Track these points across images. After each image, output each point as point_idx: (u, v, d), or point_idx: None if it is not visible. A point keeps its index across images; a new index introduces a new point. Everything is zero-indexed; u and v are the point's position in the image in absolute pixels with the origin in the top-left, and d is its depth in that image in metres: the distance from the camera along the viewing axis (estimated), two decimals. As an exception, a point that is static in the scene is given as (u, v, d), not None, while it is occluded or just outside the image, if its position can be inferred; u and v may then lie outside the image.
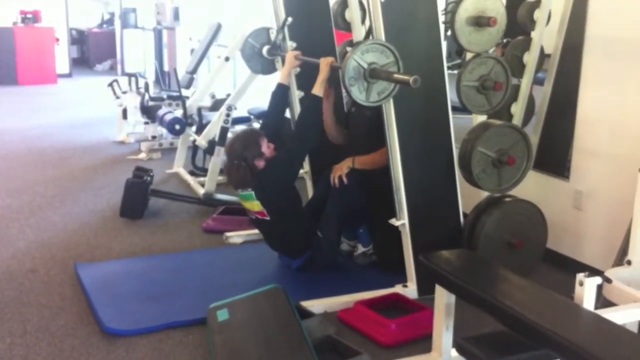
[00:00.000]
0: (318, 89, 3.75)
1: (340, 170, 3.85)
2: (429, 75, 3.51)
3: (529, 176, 3.69)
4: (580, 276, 2.42)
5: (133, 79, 7.63)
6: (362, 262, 4.06)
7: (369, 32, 4.00)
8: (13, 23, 12.86)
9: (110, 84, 7.75)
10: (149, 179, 5.03)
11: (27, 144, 7.51)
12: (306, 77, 4.17)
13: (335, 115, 4.22)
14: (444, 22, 3.72)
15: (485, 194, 3.72)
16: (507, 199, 3.69)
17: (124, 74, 12.15)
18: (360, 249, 4.09)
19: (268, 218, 3.77)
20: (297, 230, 3.82)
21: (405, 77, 3.17)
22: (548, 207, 3.89)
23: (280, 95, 4.10)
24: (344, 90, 3.74)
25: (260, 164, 3.71)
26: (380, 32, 3.45)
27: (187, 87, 7.05)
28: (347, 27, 4.48)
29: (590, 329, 2.26)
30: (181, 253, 4.26)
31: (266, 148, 3.74)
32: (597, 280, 2.43)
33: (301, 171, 4.47)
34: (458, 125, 3.75)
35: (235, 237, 4.46)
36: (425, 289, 3.49)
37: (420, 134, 3.62)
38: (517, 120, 4.03)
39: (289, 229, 3.82)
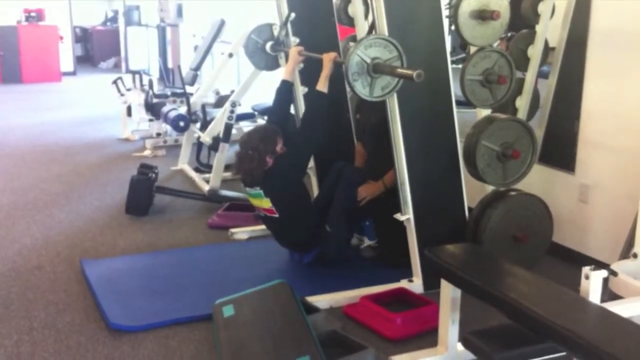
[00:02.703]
0: (322, 85, 3.74)
1: (371, 194, 3.90)
2: (433, 69, 3.51)
3: (534, 170, 3.68)
4: (586, 269, 2.42)
5: (137, 76, 7.65)
6: (368, 256, 4.06)
7: (372, 27, 4.00)
8: (17, 21, 12.88)
9: (115, 82, 7.76)
10: (153, 175, 5.04)
11: (32, 141, 7.53)
12: (310, 72, 4.16)
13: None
14: (448, 16, 3.71)
15: (490, 188, 3.71)
16: (512, 193, 3.68)
17: (128, 71, 12.19)
18: (367, 242, 4.08)
19: (277, 215, 3.78)
20: (306, 226, 3.82)
21: (409, 72, 3.16)
22: (553, 200, 3.88)
23: (285, 91, 4.10)
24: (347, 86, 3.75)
25: (270, 161, 3.71)
26: (383, 27, 3.44)
27: (191, 84, 7.06)
28: (350, 22, 4.47)
29: (596, 322, 2.26)
30: (186, 249, 4.26)
31: (280, 148, 3.75)
32: (603, 273, 2.43)
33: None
34: (462, 119, 3.74)
35: (241, 233, 4.46)
36: (431, 284, 3.49)
37: (425, 128, 3.61)
38: (521, 114, 4.03)
39: (298, 225, 3.82)
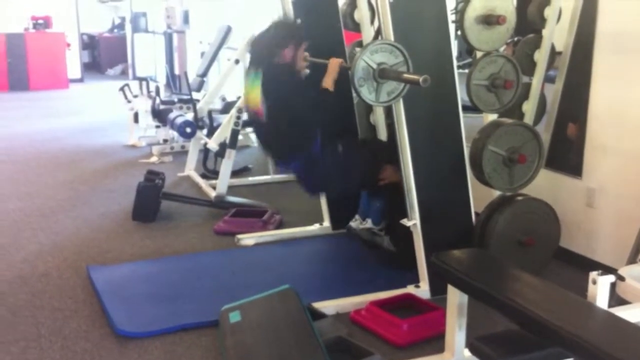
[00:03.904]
0: (329, 84, 3.67)
1: (389, 178, 3.89)
2: (439, 74, 3.50)
3: (541, 174, 3.67)
4: (593, 274, 2.40)
5: (144, 82, 7.68)
6: (365, 237, 4.00)
7: (378, 33, 4.00)
8: (24, 29, 12.94)
9: (122, 88, 7.79)
10: (160, 182, 5.05)
11: (39, 148, 7.56)
12: (315, 78, 4.15)
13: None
14: (454, 21, 3.71)
15: (496, 192, 3.70)
16: (519, 198, 3.68)
17: (135, 78, 12.23)
18: (369, 223, 4.03)
19: (263, 120, 3.65)
20: (290, 138, 3.66)
21: (415, 77, 3.16)
22: (560, 205, 3.87)
23: None
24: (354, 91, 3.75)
25: (286, 55, 3.61)
26: (389, 32, 3.44)
27: (198, 90, 7.08)
28: (356, 27, 4.48)
29: (603, 328, 2.25)
30: (193, 255, 4.26)
31: (294, 49, 3.65)
32: (611, 278, 2.41)
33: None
34: (469, 124, 3.74)
35: (247, 239, 4.46)
36: (438, 289, 3.47)
37: (431, 133, 3.61)
38: (528, 118, 4.02)
39: (283, 130, 3.64)
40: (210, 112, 6.35)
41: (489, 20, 3.50)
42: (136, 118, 7.60)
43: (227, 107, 6.81)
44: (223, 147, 5.39)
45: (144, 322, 3.28)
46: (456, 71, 3.62)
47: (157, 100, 7.21)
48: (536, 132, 3.62)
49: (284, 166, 3.89)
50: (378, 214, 4.02)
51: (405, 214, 3.61)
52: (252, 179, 6.17)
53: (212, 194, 5.39)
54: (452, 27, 3.63)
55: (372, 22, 4.27)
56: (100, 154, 7.29)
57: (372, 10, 4.27)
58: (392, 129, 3.98)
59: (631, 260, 3.34)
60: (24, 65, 12.76)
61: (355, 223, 4.07)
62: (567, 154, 4.11)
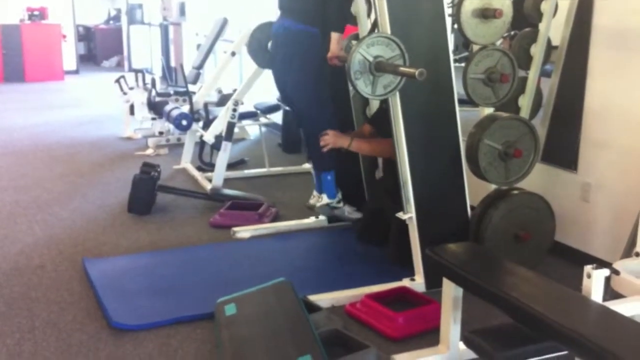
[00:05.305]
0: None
1: (334, 144, 3.89)
2: (435, 67, 3.51)
3: (536, 169, 3.68)
4: (588, 268, 2.41)
5: (140, 75, 7.65)
6: (325, 213, 3.98)
7: (375, 26, 3.99)
8: (20, 20, 12.90)
9: (117, 80, 7.77)
10: (156, 174, 5.04)
11: (35, 140, 7.54)
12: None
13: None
14: (451, 15, 3.71)
15: (492, 186, 3.71)
16: (515, 192, 3.68)
17: (130, 70, 12.19)
18: (325, 199, 4.02)
19: None
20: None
21: (411, 70, 3.16)
22: (556, 199, 3.87)
23: None
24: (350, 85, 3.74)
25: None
26: (386, 25, 3.44)
27: (194, 82, 7.06)
28: (352, 20, 4.47)
29: (598, 321, 2.25)
30: (189, 248, 4.26)
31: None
32: (605, 272, 2.42)
33: (309, 166, 4.49)
34: (465, 118, 3.74)
35: (243, 232, 4.46)
36: (433, 283, 3.49)
37: (427, 127, 3.61)
38: (524, 112, 4.02)
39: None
40: (206, 105, 6.33)
41: (486, 13, 3.51)
42: (132, 110, 7.58)
43: (223, 100, 6.78)
44: (219, 139, 5.38)
45: (139, 315, 3.28)
46: (452, 65, 3.62)
47: (153, 93, 7.19)
48: (532, 126, 3.62)
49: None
50: (331, 185, 4.00)
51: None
52: (248, 172, 6.17)
53: (208, 186, 5.39)
54: (448, 21, 3.63)
55: (368, 15, 4.26)
56: (96, 147, 7.28)
57: (369, 3, 4.26)
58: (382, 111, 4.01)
59: (626, 254, 3.35)
60: (20, 57, 12.73)
61: (313, 200, 4.05)
62: (563, 148, 4.11)
